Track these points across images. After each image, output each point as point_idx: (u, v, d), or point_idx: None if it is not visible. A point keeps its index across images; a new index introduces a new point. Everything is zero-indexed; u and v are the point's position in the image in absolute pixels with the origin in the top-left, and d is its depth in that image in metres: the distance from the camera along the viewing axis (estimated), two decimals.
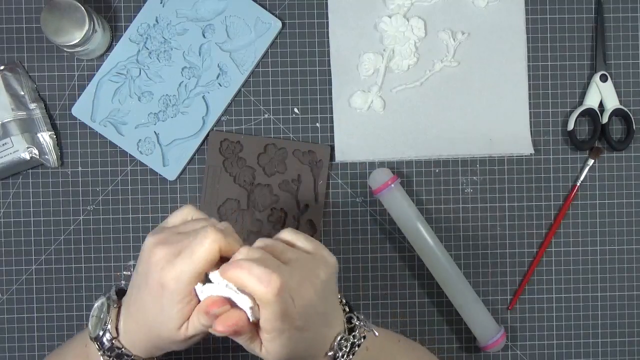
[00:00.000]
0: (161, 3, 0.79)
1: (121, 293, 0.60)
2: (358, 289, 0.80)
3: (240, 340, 0.55)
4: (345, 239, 0.80)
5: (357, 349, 0.58)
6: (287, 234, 0.58)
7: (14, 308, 0.79)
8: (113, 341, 0.57)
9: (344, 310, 0.60)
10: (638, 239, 0.82)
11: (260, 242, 0.56)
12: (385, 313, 0.80)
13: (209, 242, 0.53)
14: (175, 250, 0.54)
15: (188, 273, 0.52)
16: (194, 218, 0.58)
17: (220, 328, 0.52)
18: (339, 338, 0.57)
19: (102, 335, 0.58)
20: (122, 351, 0.58)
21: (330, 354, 0.57)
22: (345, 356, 0.57)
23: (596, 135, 0.80)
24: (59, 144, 0.79)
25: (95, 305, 0.60)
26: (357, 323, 0.59)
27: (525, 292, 0.81)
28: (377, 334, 0.60)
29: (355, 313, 0.60)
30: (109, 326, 0.57)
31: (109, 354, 0.58)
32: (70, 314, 0.79)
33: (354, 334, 0.58)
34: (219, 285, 0.53)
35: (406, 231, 0.78)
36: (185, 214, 0.58)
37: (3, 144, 0.76)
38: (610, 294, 0.81)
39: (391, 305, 0.80)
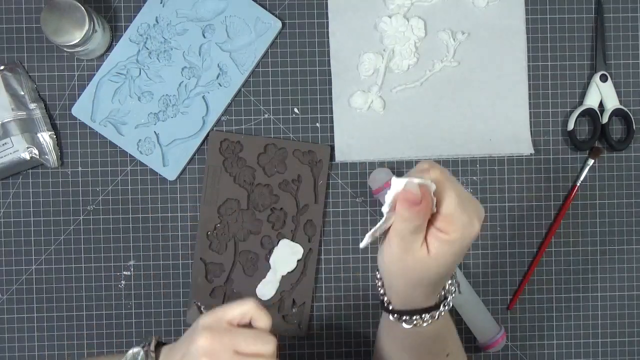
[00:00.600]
0: (161, 3, 0.79)
1: (159, 345, 0.59)
2: (358, 289, 0.80)
3: (408, 226, 0.52)
4: (345, 239, 0.80)
5: (450, 300, 0.58)
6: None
7: (14, 308, 0.79)
8: None
9: None
10: (638, 239, 0.82)
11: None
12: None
13: None
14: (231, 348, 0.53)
15: None
16: (254, 317, 0.56)
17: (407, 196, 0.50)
18: (451, 280, 0.58)
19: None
20: None
21: (442, 293, 0.58)
22: (447, 303, 0.58)
23: (596, 135, 0.80)
24: (59, 144, 0.79)
25: (131, 352, 0.57)
26: (454, 273, 0.59)
27: (525, 292, 0.81)
28: (460, 291, 0.61)
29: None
30: None
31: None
32: (70, 314, 0.79)
33: (455, 279, 0.59)
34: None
35: None
36: (246, 310, 0.56)
37: (3, 144, 0.76)
38: (610, 294, 0.81)
39: None
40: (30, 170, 0.79)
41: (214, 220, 0.78)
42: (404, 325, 0.58)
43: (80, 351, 0.79)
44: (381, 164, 0.80)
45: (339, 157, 0.80)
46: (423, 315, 0.57)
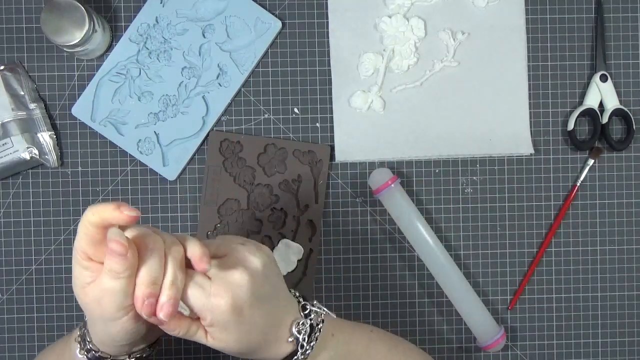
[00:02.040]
0: (161, 3, 0.79)
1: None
2: (358, 289, 0.80)
3: (180, 333, 0.55)
4: (345, 239, 0.80)
5: (318, 333, 0.58)
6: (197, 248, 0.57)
7: (14, 308, 0.79)
8: (87, 341, 0.57)
9: (298, 301, 0.60)
10: (638, 239, 0.82)
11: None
12: (385, 313, 0.80)
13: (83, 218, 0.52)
14: None
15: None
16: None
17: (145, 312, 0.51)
18: (296, 323, 0.58)
19: (84, 333, 0.58)
20: (94, 351, 0.58)
21: (291, 340, 0.58)
22: (307, 340, 0.58)
23: (596, 135, 0.80)
24: (59, 144, 0.79)
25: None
26: (311, 308, 0.60)
27: (525, 292, 0.81)
28: (334, 316, 0.61)
29: (309, 302, 0.61)
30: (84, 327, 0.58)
31: (85, 352, 0.58)
32: (70, 314, 0.79)
33: (310, 317, 0.59)
34: None
35: (406, 231, 0.78)
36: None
37: (3, 144, 0.76)
38: (610, 294, 0.81)
39: (391, 305, 0.80)
40: (30, 170, 0.79)
41: (214, 220, 0.78)
42: None
43: None
44: (381, 164, 0.80)
45: (339, 157, 0.80)
46: None
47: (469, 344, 0.81)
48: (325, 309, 0.61)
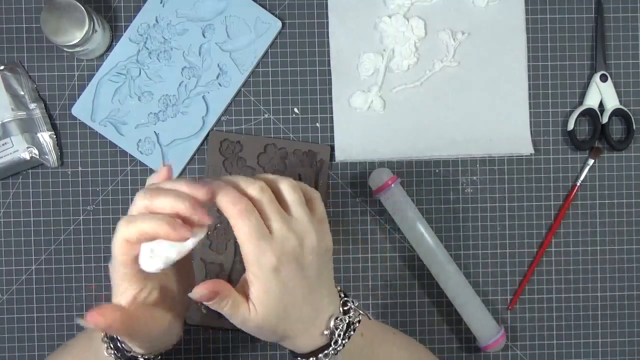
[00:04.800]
0: (161, 3, 0.79)
1: None
2: (358, 288, 0.80)
3: (225, 308, 0.55)
4: (345, 239, 0.80)
5: (352, 332, 0.59)
6: (313, 193, 0.59)
7: (14, 308, 0.79)
8: (119, 340, 0.57)
9: (340, 295, 0.61)
10: (638, 239, 0.82)
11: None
12: (385, 313, 0.80)
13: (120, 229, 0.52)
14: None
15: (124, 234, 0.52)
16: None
17: (199, 290, 0.53)
18: (335, 317, 0.59)
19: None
20: (122, 346, 0.57)
21: (326, 333, 0.58)
22: (341, 337, 0.58)
23: (596, 135, 0.80)
24: (59, 144, 0.79)
25: None
26: (351, 306, 0.60)
27: (525, 292, 0.81)
28: (370, 317, 0.62)
29: (351, 299, 0.61)
30: None
31: (112, 345, 0.57)
32: (70, 314, 0.79)
33: (349, 314, 0.59)
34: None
35: (406, 231, 0.78)
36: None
37: (3, 144, 0.76)
38: (610, 294, 0.81)
39: (391, 305, 0.80)
40: (30, 170, 0.79)
41: (214, 220, 0.78)
42: None
43: None
44: (381, 164, 0.80)
45: (339, 157, 0.80)
46: (319, 356, 0.59)
47: (469, 344, 0.81)
48: (363, 311, 0.61)
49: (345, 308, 0.60)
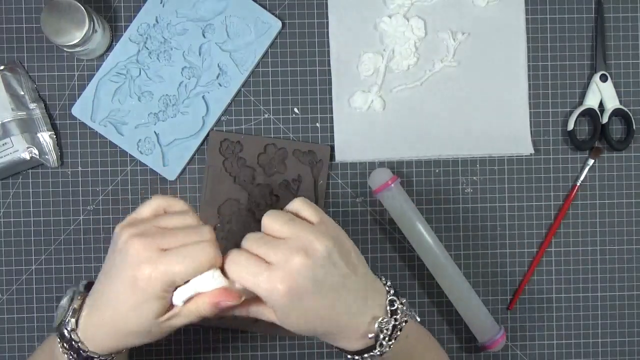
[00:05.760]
0: (161, 3, 0.79)
1: (90, 286, 0.59)
2: None
3: (251, 312, 0.56)
4: None
5: (398, 334, 0.58)
6: (295, 204, 0.59)
7: (14, 308, 0.79)
8: (71, 333, 0.56)
9: (387, 291, 0.59)
10: (638, 239, 0.82)
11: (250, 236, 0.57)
12: None
13: (212, 251, 0.54)
14: (158, 246, 0.53)
15: (181, 275, 0.53)
16: (168, 211, 0.58)
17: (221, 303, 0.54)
18: (380, 319, 0.57)
19: (63, 327, 0.57)
20: (78, 345, 0.56)
21: (371, 336, 0.57)
22: (387, 339, 0.57)
23: (596, 135, 0.80)
24: (59, 144, 0.79)
25: (65, 297, 0.59)
26: (399, 306, 0.58)
27: (525, 292, 0.81)
28: (418, 319, 0.60)
29: (399, 297, 0.59)
30: (69, 318, 0.57)
31: (67, 347, 0.57)
32: None
33: (395, 317, 0.58)
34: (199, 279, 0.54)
35: (406, 231, 0.78)
36: (155, 206, 0.58)
37: (3, 144, 0.76)
38: (610, 294, 0.81)
39: None
40: (30, 170, 0.79)
41: (214, 220, 0.78)
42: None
43: None
44: (381, 164, 0.80)
45: (339, 157, 0.80)
46: (364, 356, 0.59)
47: (469, 344, 0.81)
48: (410, 311, 0.60)
49: (393, 308, 0.58)
